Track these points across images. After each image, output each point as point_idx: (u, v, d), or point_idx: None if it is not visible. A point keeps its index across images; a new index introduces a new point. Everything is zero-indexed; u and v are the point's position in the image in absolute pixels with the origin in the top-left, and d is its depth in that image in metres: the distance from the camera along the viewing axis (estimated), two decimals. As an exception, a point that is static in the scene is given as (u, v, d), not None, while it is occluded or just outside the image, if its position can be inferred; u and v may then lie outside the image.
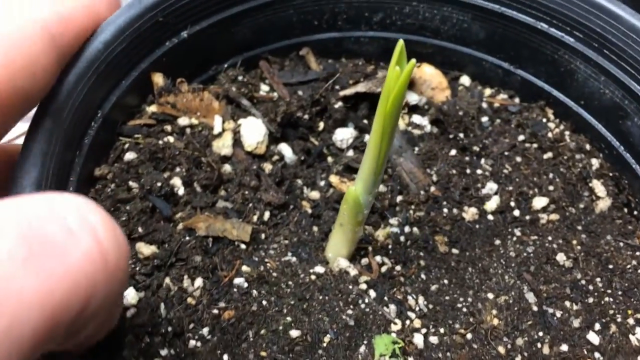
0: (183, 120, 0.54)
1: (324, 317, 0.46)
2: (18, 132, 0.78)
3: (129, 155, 0.50)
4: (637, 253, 0.54)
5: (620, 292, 0.51)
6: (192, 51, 0.56)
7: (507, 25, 0.60)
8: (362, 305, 0.47)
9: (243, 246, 0.49)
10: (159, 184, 0.49)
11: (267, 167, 0.55)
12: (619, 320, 0.49)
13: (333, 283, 0.48)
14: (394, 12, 0.62)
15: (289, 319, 0.45)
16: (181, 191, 0.50)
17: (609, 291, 0.51)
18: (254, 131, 0.55)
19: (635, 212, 0.57)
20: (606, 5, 0.54)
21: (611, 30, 0.54)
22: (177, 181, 0.50)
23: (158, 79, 0.54)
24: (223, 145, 0.54)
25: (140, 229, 0.47)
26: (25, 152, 0.40)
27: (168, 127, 0.53)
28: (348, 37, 0.64)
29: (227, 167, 0.53)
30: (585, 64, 0.57)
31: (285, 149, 0.56)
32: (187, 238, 0.47)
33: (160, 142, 0.52)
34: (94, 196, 0.48)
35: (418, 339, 0.46)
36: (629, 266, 0.53)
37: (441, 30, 0.63)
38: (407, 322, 0.48)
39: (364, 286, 0.49)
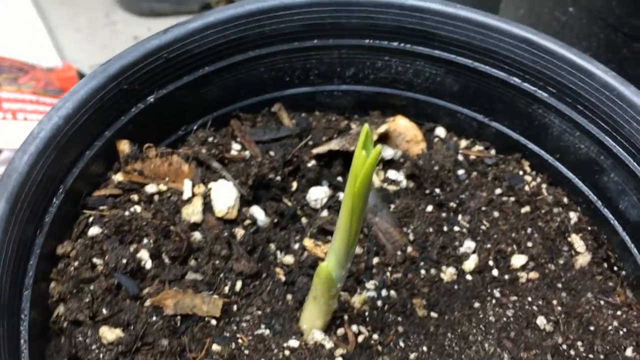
0: (151, 188, 0.52)
1: (299, 399, 0.44)
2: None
3: (93, 230, 0.48)
4: (618, 312, 0.53)
5: (602, 357, 0.50)
6: (160, 114, 0.54)
7: (480, 80, 0.59)
8: (339, 383, 0.46)
9: (214, 322, 0.48)
10: (124, 260, 0.47)
11: (239, 232, 0.53)
12: (601, 387, 0.48)
13: (308, 358, 0.47)
14: (366, 67, 0.61)
15: (260, 403, 0.43)
16: (149, 264, 0.48)
17: (591, 355, 0.50)
18: (224, 195, 0.53)
19: (615, 268, 0.56)
20: (578, 61, 0.53)
21: (584, 87, 0.53)
22: (144, 254, 0.48)
23: (124, 146, 0.52)
24: (193, 212, 0.52)
25: (104, 310, 0.45)
26: (-21, 242, 0.38)
27: (135, 197, 0.51)
28: (321, 91, 0.63)
29: (197, 235, 0.51)
30: (559, 118, 0.57)
31: (257, 212, 0.55)
32: (154, 318, 0.45)
33: (127, 212, 0.50)
34: (55, 277, 0.46)
35: (396, 417, 0.45)
36: (610, 327, 0.52)
37: (414, 83, 0.62)
38: (385, 398, 0.46)
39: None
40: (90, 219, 0.49)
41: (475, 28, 0.56)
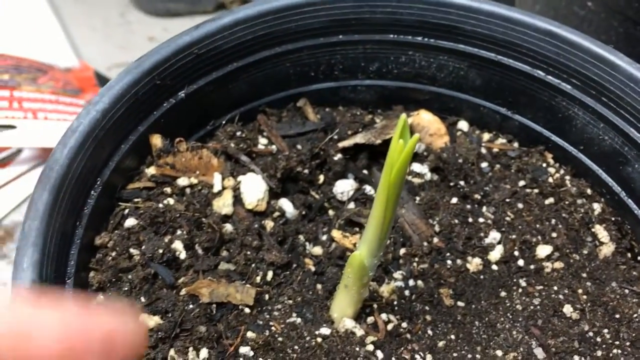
0: (182, 181, 0.54)
1: (332, 384, 0.45)
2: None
3: (129, 222, 0.49)
4: (644, 301, 0.54)
5: (628, 343, 0.50)
6: (190, 109, 0.56)
7: (504, 73, 0.60)
8: (370, 369, 0.47)
9: (247, 310, 0.49)
10: (160, 251, 0.48)
11: (269, 224, 0.54)
12: (629, 373, 0.49)
13: (340, 345, 0.48)
14: (390, 61, 0.62)
15: (296, 388, 0.44)
16: (183, 255, 0.50)
17: (617, 342, 0.51)
18: (254, 188, 0.55)
19: (639, 258, 0.57)
20: (603, 54, 0.54)
21: (608, 79, 0.54)
22: (178, 245, 0.50)
23: (156, 140, 0.53)
24: (223, 205, 0.53)
25: (143, 299, 0.46)
26: (26, 232, 0.40)
27: (168, 189, 0.53)
28: (345, 86, 0.64)
29: (228, 227, 0.53)
30: (583, 110, 0.57)
31: (285, 204, 0.56)
32: (191, 306, 0.46)
33: (160, 205, 0.51)
34: (94, 266, 0.47)
35: (428, 403, 0.46)
36: (635, 315, 0.52)
37: (438, 78, 0.63)
38: (416, 384, 0.47)
39: (370, 347, 0.48)
40: (126, 211, 0.50)
41: (499, 22, 0.57)
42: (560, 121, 0.60)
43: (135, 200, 0.51)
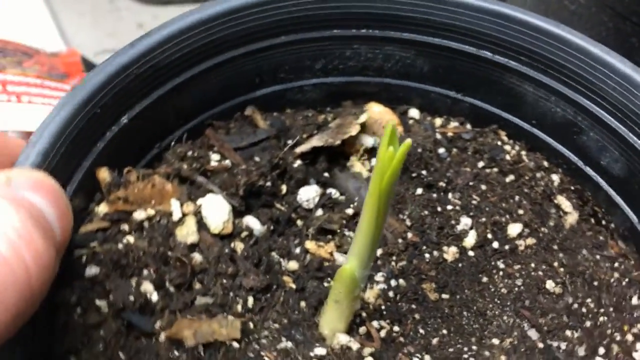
0: (139, 214, 0.49)
1: (341, 407, 0.43)
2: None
3: (91, 270, 0.44)
4: (616, 264, 0.55)
5: (611, 309, 0.52)
6: (134, 134, 0.51)
7: (451, 57, 0.59)
8: (374, 383, 0.45)
9: (236, 345, 0.45)
10: (131, 298, 0.43)
11: (239, 246, 0.51)
12: (618, 338, 0.49)
13: (338, 363, 0.45)
14: (335, 57, 0.60)
15: (305, 418, 0.42)
16: (155, 297, 0.45)
17: (602, 310, 0.52)
18: (216, 210, 0.51)
19: (604, 222, 0.58)
20: (548, 28, 0.54)
21: (556, 52, 0.54)
22: (148, 286, 0.45)
23: (104, 174, 0.48)
24: (187, 233, 0.49)
25: (122, 355, 0.42)
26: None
27: (125, 226, 0.48)
28: (291, 88, 0.61)
29: (197, 257, 0.49)
30: (533, 85, 0.58)
31: (252, 221, 0.53)
32: (177, 353, 0.42)
33: (120, 245, 0.46)
34: (59, 329, 0.42)
35: (437, 405, 0.45)
36: (612, 280, 0.54)
37: (385, 68, 0.61)
38: (421, 388, 0.46)
39: (369, 359, 0.46)
40: (84, 259, 0.45)
41: (442, 6, 0.56)
42: (511, 98, 0.60)
43: (92, 244, 0.46)
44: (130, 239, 0.47)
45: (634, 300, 0.52)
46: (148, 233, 0.48)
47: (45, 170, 0.41)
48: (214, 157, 0.56)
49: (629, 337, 0.50)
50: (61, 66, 0.93)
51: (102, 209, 0.48)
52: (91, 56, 0.97)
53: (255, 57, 0.57)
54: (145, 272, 0.46)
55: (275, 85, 0.60)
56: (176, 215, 0.50)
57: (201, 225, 0.50)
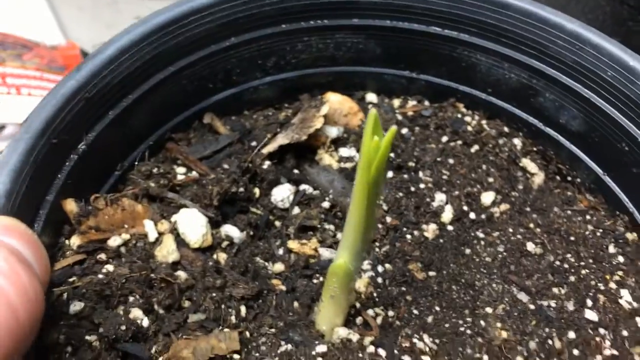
0: (114, 241, 0.47)
1: (353, 401, 0.42)
2: None
3: (75, 306, 0.42)
4: (587, 217, 0.57)
5: (591, 261, 0.53)
6: (95, 159, 0.49)
7: (401, 37, 0.60)
8: (381, 370, 0.45)
9: (236, 356, 0.44)
10: (123, 327, 0.42)
11: (222, 256, 0.50)
12: (602, 288, 0.51)
13: (341, 358, 0.45)
14: (287, 52, 0.59)
15: (321, 419, 0.41)
16: (146, 322, 0.44)
17: (582, 263, 0.53)
18: (193, 224, 0.49)
19: (569, 178, 0.60)
20: (493, -4, 0.55)
21: (505, 19, 0.55)
22: (137, 313, 0.44)
23: (70, 205, 0.46)
24: (167, 252, 0.48)
25: (123, 388, 0.40)
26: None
27: (102, 255, 0.46)
28: (246, 89, 0.60)
29: (181, 275, 0.47)
30: (485, 55, 0.58)
31: (231, 230, 0.51)
32: (180, 376, 0.41)
33: (101, 275, 0.44)
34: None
35: (444, 381, 0.45)
36: (587, 232, 0.55)
37: (337, 57, 0.61)
38: (427, 367, 0.46)
39: (371, 348, 0.46)
40: (64, 296, 0.43)
41: (387, -13, 0.56)
42: (465, 70, 0.61)
43: (71, 279, 0.44)
44: (110, 267, 0.45)
45: (611, 249, 0.54)
46: (127, 258, 0.46)
47: (11, 211, 0.39)
48: (180, 171, 0.55)
49: (612, 285, 0.51)
50: (60, 59, 0.94)
51: (75, 241, 0.46)
52: (90, 49, 0.96)
53: (205, 63, 0.55)
54: (131, 298, 0.44)
55: (230, 88, 0.59)
56: (152, 236, 0.49)
57: (180, 241, 0.49)
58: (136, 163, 0.52)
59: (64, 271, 0.44)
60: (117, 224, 0.48)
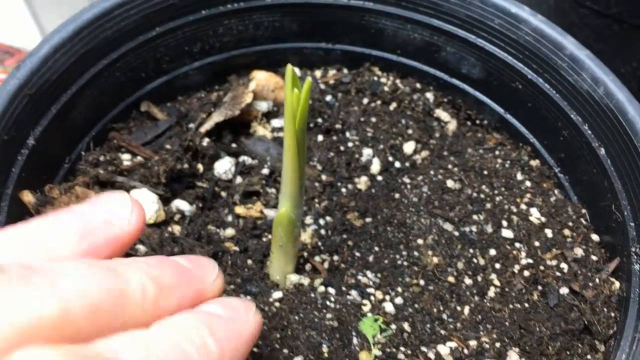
0: (73, 225, 0.50)
1: (311, 332, 0.48)
2: None
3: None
4: (496, 152, 0.64)
5: (503, 189, 0.61)
6: (43, 153, 0.52)
7: (312, 11, 0.65)
8: (332, 305, 0.50)
9: (202, 311, 0.49)
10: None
11: (176, 228, 0.54)
12: (514, 210, 0.59)
13: (297, 300, 0.50)
14: (210, 37, 0.64)
15: (285, 351, 0.46)
16: (114, 293, 0.48)
17: (496, 192, 0.60)
18: (145, 202, 0.53)
19: (478, 121, 0.67)
20: (389, -34, 0.61)
21: (401, -15, 0.62)
22: (104, 286, 0.47)
23: (28, 197, 0.49)
24: (125, 230, 0.52)
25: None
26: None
27: (63, 239, 0.49)
28: (176, 75, 0.64)
29: (141, 248, 0.51)
30: (390, 19, 0.65)
31: (181, 204, 0.56)
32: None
33: (65, 257, 0.48)
34: None
35: (389, 307, 0.51)
36: (497, 165, 0.63)
37: (257, 37, 0.66)
38: (372, 298, 0.52)
39: (322, 288, 0.52)
40: (35, 278, 0.46)
41: (294, -34, 0.61)
42: (374, 36, 0.67)
43: (37, 263, 0.47)
44: (73, 249, 0.49)
45: (519, 176, 0.61)
46: (87, 239, 0.50)
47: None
48: (125, 157, 0.58)
49: (523, 207, 0.59)
50: (42, 65, 0.96)
51: (36, 229, 0.49)
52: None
53: (135, 54, 0.59)
54: (97, 274, 0.48)
55: (161, 76, 0.63)
56: (108, 218, 0.52)
57: (134, 219, 0.53)
58: (83, 153, 0.55)
59: (30, 257, 0.47)
60: (73, 210, 0.52)
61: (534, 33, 0.57)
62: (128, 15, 0.56)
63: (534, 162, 0.63)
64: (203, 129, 0.60)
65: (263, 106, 0.65)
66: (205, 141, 0.60)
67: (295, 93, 0.40)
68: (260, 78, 0.67)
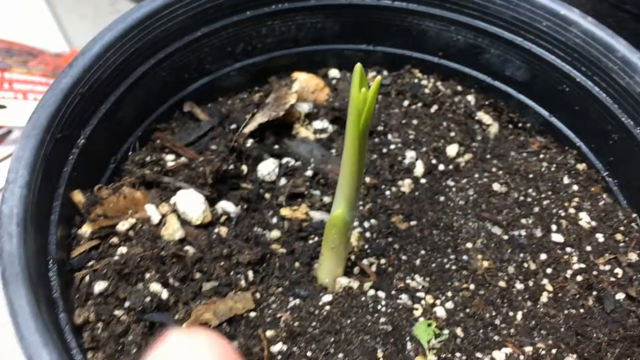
0: (122, 226, 0.50)
1: (365, 337, 0.47)
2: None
3: (98, 286, 0.45)
4: (541, 156, 0.64)
5: (550, 192, 0.60)
6: (93, 152, 0.51)
7: (356, 12, 0.64)
8: (383, 309, 0.50)
9: (253, 314, 0.48)
10: (147, 299, 0.45)
11: (223, 230, 0.53)
12: (563, 214, 0.58)
13: (347, 303, 0.50)
14: (253, 38, 0.63)
15: (340, 355, 0.46)
16: (165, 294, 0.47)
17: (543, 195, 0.60)
18: (192, 203, 0.53)
19: (520, 124, 0.66)
20: (436, -33, 0.60)
21: (448, -13, 0.61)
22: (156, 287, 0.47)
23: (78, 196, 0.49)
24: (173, 231, 0.51)
25: (158, 352, 0.43)
26: None
27: (114, 239, 0.49)
28: (219, 76, 0.63)
29: (189, 249, 0.51)
30: (433, 21, 0.64)
31: (227, 205, 0.55)
32: (208, 334, 0.45)
33: (117, 257, 0.47)
34: (89, 346, 0.43)
35: (440, 312, 0.50)
36: (543, 169, 0.62)
37: (299, 38, 0.65)
38: (422, 302, 0.51)
39: (372, 292, 0.51)
40: (87, 278, 0.46)
41: (340, -33, 0.61)
42: (416, 38, 0.66)
43: (89, 264, 0.47)
44: (123, 249, 0.48)
45: (565, 180, 0.61)
46: (137, 240, 0.50)
47: (32, 201, 0.42)
48: (170, 158, 0.58)
49: (572, 210, 0.58)
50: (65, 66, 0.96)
51: (86, 229, 0.49)
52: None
53: (182, 54, 0.58)
54: (147, 275, 0.48)
55: (203, 77, 0.62)
56: (156, 218, 0.52)
57: (182, 220, 0.52)
58: (129, 154, 0.55)
59: (82, 257, 0.47)
60: (122, 210, 0.51)
61: (584, 35, 0.57)
62: (176, 15, 0.56)
63: (581, 166, 0.62)
64: (247, 130, 0.60)
65: (304, 107, 0.64)
66: (249, 142, 0.59)
67: (362, 92, 0.39)
68: (301, 79, 0.66)
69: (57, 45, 0.98)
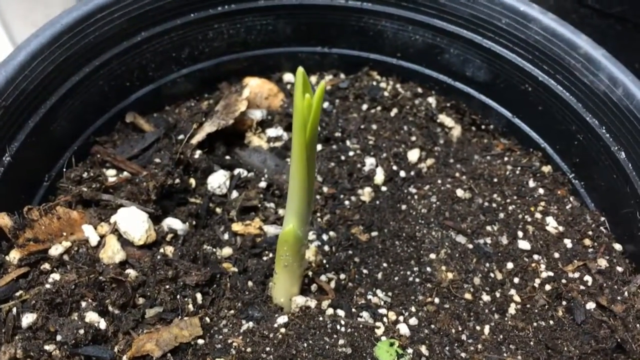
0: (55, 250, 0.46)
1: (323, 360, 0.44)
2: None
3: (27, 319, 0.41)
4: (505, 158, 0.61)
5: (515, 197, 0.57)
6: (20, 171, 0.47)
7: (308, 13, 0.61)
8: (343, 329, 0.46)
9: (201, 341, 0.44)
10: (81, 331, 0.41)
11: (169, 249, 0.49)
12: (529, 219, 0.55)
13: (304, 324, 0.46)
14: (199, 42, 0.59)
15: (295, 383, 0.42)
16: (103, 324, 0.43)
17: (508, 200, 0.57)
18: (134, 222, 0.49)
19: (483, 126, 0.64)
20: (390, -36, 0.58)
21: (403, -15, 0.58)
22: (92, 316, 0.43)
23: (4, 220, 0.44)
24: (113, 253, 0.47)
25: (93, 390, 0.39)
26: None
27: (45, 266, 0.45)
28: (164, 83, 0.60)
29: (131, 273, 0.47)
30: (390, 20, 0.61)
31: (173, 222, 0.51)
32: (149, 368, 0.41)
33: (48, 285, 0.43)
34: (15, 387, 0.38)
35: (403, 329, 0.47)
36: (507, 172, 0.59)
37: (249, 41, 0.62)
38: (384, 319, 0.48)
39: (330, 310, 0.48)
40: (14, 311, 0.41)
41: (289, -34, 0.58)
42: (373, 39, 0.63)
43: (17, 294, 0.42)
44: (56, 276, 0.44)
45: (531, 183, 0.58)
46: (72, 265, 0.45)
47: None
48: (110, 173, 0.54)
49: (538, 215, 0.56)
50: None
51: (15, 255, 0.44)
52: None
53: (120, 61, 0.54)
54: (83, 303, 0.43)
55: (147, 85, 0.58)
56: (94, 240, 0.48)
57: (123, 241, 0.48)
58: (64, 170, 0.51)
59: (8, 287, 0.43)
60: (55, 233, 0.47)
61: (544, 32, 0.54)
62: (111, 19, 0.52)
63: (546, 168, 0.59)
64: (194, 140, 0.56)
65: (257, 114, 0.61)
66: (197, 153, 0.56)
67: (306, 98, 0.36)
68: (253, 85, 0.63)
69: (5, 53, 0.94)
